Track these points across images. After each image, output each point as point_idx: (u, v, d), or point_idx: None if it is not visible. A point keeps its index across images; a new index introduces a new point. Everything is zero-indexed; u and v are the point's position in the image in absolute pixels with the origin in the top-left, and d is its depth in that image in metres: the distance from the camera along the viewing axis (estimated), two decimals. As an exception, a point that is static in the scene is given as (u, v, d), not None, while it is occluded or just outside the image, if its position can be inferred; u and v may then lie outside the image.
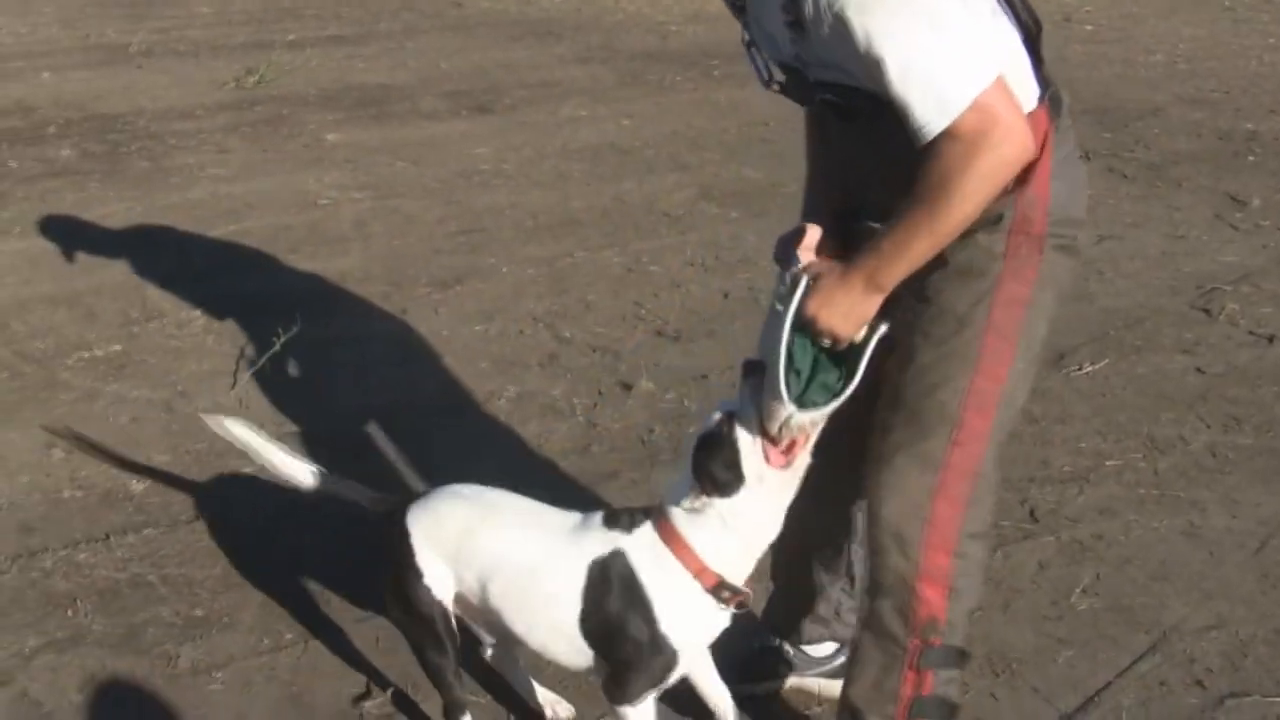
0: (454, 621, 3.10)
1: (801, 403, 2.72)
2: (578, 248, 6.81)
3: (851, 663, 3.04)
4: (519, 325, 5.73)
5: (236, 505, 4.37)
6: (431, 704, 3.38)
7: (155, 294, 6.02)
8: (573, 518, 3.07)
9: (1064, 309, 5.86)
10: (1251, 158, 8.36)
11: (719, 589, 2.89)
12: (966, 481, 2.86)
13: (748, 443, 2.81)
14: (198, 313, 5.79)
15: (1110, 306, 6.20)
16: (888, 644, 2.92)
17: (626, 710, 2.96)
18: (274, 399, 5.09)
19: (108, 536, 4.20)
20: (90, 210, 7.04)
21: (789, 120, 8.92)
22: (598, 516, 3.03)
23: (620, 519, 2.99)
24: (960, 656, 2.97)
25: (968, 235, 2.66)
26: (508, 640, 3.22)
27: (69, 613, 3.83)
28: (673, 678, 2.98)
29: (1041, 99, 2.72)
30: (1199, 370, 5.49)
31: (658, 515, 2.94)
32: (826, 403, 2.73)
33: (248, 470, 4.52)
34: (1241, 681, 3.64)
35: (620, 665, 2.94)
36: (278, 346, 5.39)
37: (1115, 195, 7.82)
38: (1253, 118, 9.12)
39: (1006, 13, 2.68)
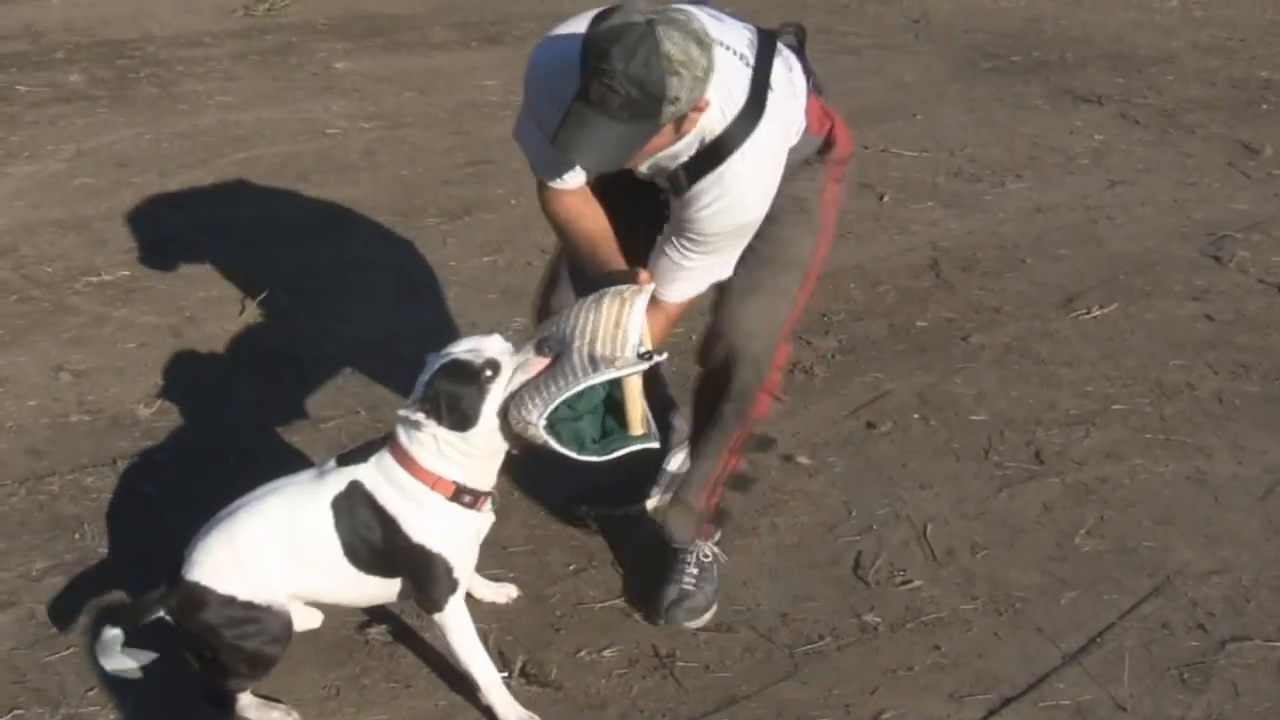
0: (290, 620, 3.15)
1: (552, 426, 2.90)
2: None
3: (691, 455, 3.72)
4: (527, 257, 5.70)
5: (243, 430, 4.37)
6: (436, 630, 3.40)
7: (164, 220, 6.00)
8: (312, 471, 3.20)
9: (1073, 252, 5.95)
10: (1265, 106, 8.28)
11: (459, 494, 3.04)
12: (798, 319, 3.60)
13: (495, 400, 2.95)
14: (206, 239, 5.77)
15: (1120, 251, 6.17)
16: (721, 438, 3.56)
17: (439, 618, 3.14)
18: (281, 325, 5.08)
19: (115, 461, 4.20)
20: (99, 136, 7.00)
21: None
22: (334, 460, 3.18)
23: (355, 455, 3.14)
24: (765, 443, 3.78)
25: (807, 161, 3.39)
26: (341, 603, 3.34)
27: (76, 536, 3.85)
28: (464, 578, 3.15)
29: (809, 87, 3.31)
30: (1208, 317, 5.48)
31: (391, 439, 3.07)
32: (562, 445, 2.93)
33: (253, 397, 4.54)
34: (1243, 626, 3.65)
35: (413, 581, 3.12)
36: (285, 274, 5.38)
37: (1127, 141, 7.77)
38: (1268, 66, 9.03)
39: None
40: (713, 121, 2.98)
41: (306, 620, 3.30)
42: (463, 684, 3.27)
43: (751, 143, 3.02)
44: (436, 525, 3.05)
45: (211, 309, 5.21)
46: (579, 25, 2.92)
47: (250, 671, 3.15)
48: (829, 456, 4.38)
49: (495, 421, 2.96)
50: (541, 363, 2.93)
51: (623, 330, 2.95)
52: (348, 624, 3.44)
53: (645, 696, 3.32)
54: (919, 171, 7.16)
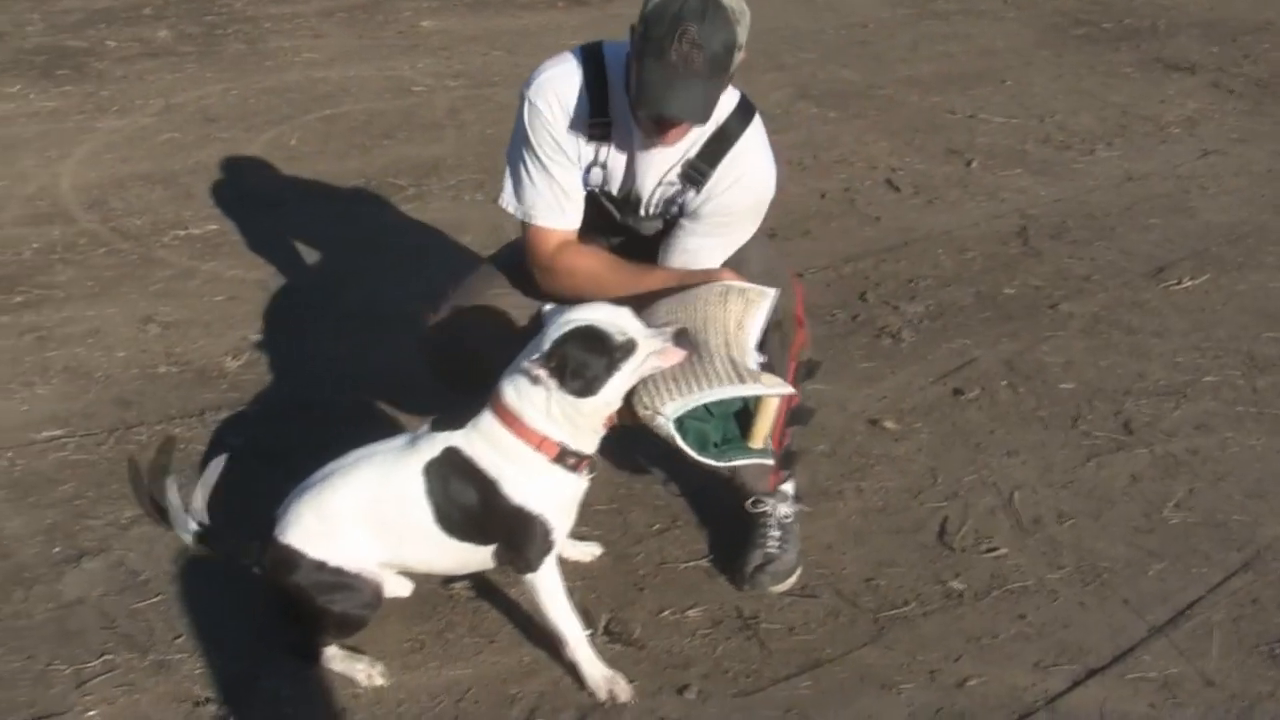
0: (380, 587, 3.17)
1: (680, 422, 2.89)
2: (672, 143, 6.74)
3: None
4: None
5: (327, 386, 4.39)
6: (519, 587, 3.41)
7: (251, 175, 6.04)
8: (403, 437, 3.17)
9: (1164, 221, 5.86)
10: (1364, 74, 8.14)
11: (563, 457, 3.00)
12: None
13: (626, 376, 2.91)
14: (291, 194, 5.81)
15: (1212, 222, 6.08)
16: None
17: (531, 578, 3.11)
18: (367, 279, 5.10)
19: (202, 412, 4.24)
20: (186, 91, 7.06)
21: (887, 23, 8.84)
22: (427, 425, 3.14)
23: (450, 420, 3.09)
24: (812, 368, 3.55)
25: None
26: (431, 572, 3.36)
27: (164, 485, 3.88)
28: (559, 540, 3.12)
29: None
30: (1303, 289, 5.39)
31: (494, 401, 3.02)
32: (685, 442, 2.92)
33: (337, 352, 4.56)
34: (1336, 602, 3.59)
35: (507, 543, 3.09)
36: (370, 230, 5.40)
37: (1220, 110, 7.64)
38: (1367, 33, 8.86)
39: None
40: (720, 110, 3.16)
41: (397, 588, 3.30)
42: (546, 640, 3.27)
43: (752, 127, 3.30)
44: (538, 487, 3.03)
45: (297, 264, 5.24)
46: (566, 69, 3.24)
47: (338, 632, 3.17)
48: (915, 422, 4.35)
49: (615, 398, 2.94)
50: (679, 354, 2.90)
51: (745, 332, 3.00)
52: (433, 578, 3.44)
53: (729, 657, 3.31)
54: (1007, 138, 7.08)
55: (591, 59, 3.24)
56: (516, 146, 3.32)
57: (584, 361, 2.87)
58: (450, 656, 3.29)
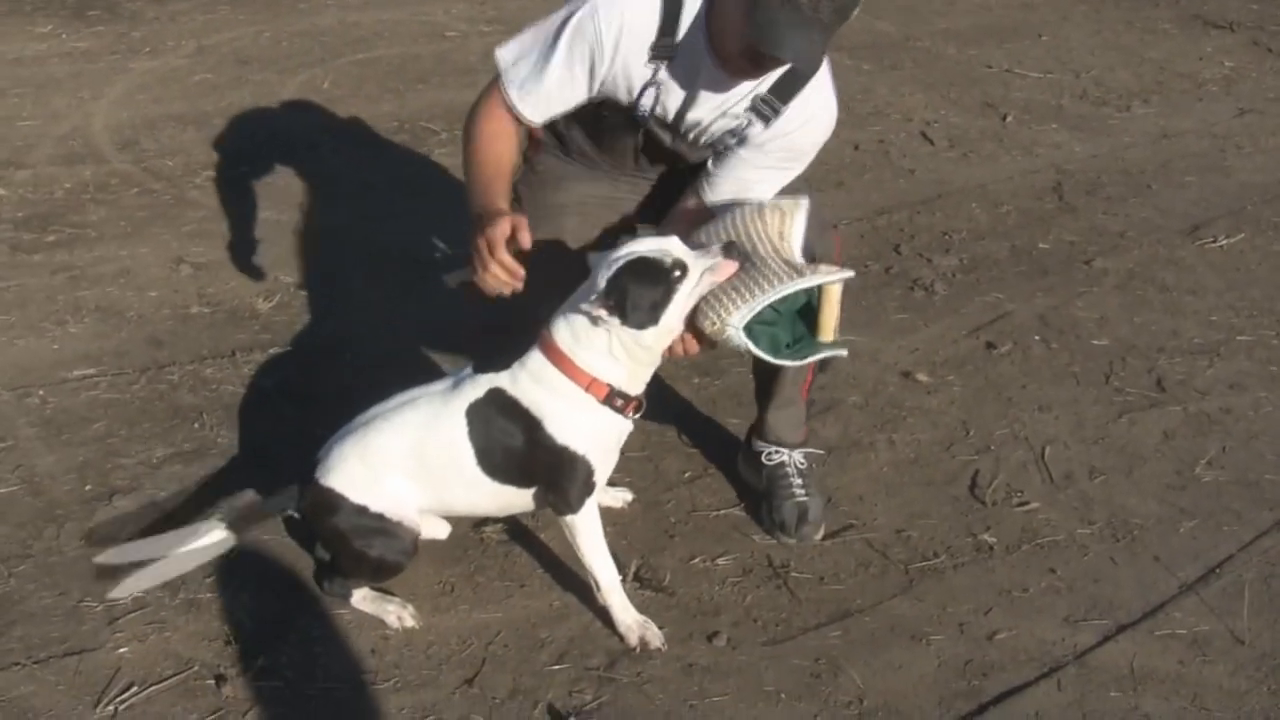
0: (418, 534, 3.16)
1: (749, 329, 2.89)
2: (705, 93, 6.71)
3: None
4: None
5: (360, 327, 4.39)
6: (550, 532, 3.42)
7: (284, 117, 6.02)
8: (445, 380, 3.16)
9: (1200, 179, 5.82)
10: (1407, 33, 8.04)
11: (611, 398, 3.00)
12: None
13: (681, 303, 2.90)
14: (325, 137, 5.79)
15: (1248, 181, 6.04)
16: None
17: (571, 519, 3.10)
18: (402, 223, 5.09)
19: (234, 353, 4.24)
20: (219, 33, 7.03)
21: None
22: (469, 368, 3.13)
23: (492, 362, 3.08)
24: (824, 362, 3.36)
25: None
26: (471, 514, 3.37)
27: (195, 425, 3.89)
28: (601, 481, 3.13)
29: None
30: (1340, 249, 5.35)
31: (544, 341, 3.01)
32: (759, 348, 2.93)
33: (371, 295, 4.56)
34: (1369, 563, 3.57)
35: (550, 484, 3.08)
36: (404, 174, 5.39)
37: (1259, 69, 7.59)
38: None
39: None
40: None
41: (434, 530, 3.30)
42: (576, 585, 3.29)
43: (824, 65, 3.15)
44: (585, 426, 3.02)
45: (329, 206, 5.23)
46: None
47: (373, 577, 3.18)
48: (948, 375, 4.33)
49: (676, 323, 2.93)
50: (731, 266, 2.89)
51: (787, 241, 2.98)
52: (464, 522, 3.44)
53: (759, 606, 3.31)
54: (1043, 93, 7.03)
55: None
56: (552, 27, 3.16)
57: (642, 292, 2.85)
58: (480, 600, 3.29)
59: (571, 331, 2.96)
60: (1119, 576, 3.47)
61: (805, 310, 3.03)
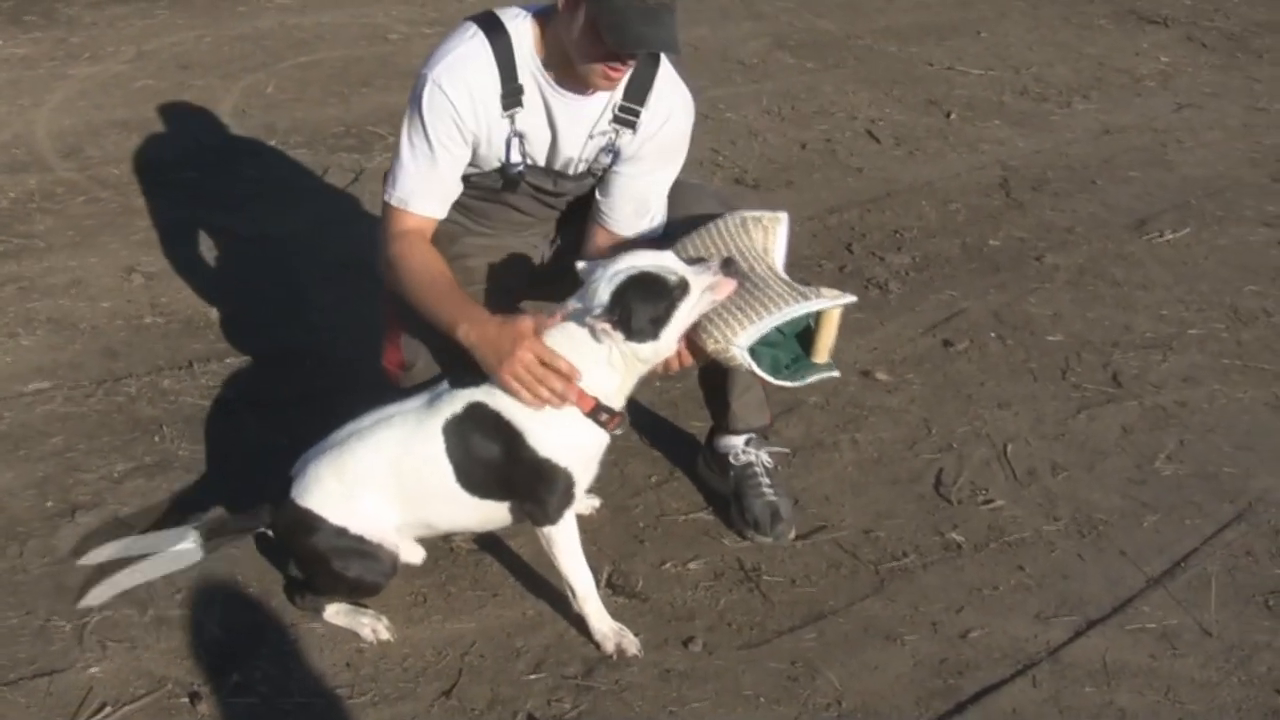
0: (398, 555, 3.14)
1: (753, 351, 2.92)
2: (649, 93, 6.70)
3: None
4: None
5: (319, 334, 4.35)
6: (520, 540, 3.41)
7: (227, 122, 5.96)
8: (421, 397, 3.13)
9: (1143, 174, 5.88)
10: (1337, 27, 8.17)
11: (596, 411, 3.00)
12: None
13: (683, 316, 2.90)
14: (271, 143, 5.73)
15: (1190, 175, 6.12)
16: None
17: (549, 529, 3.08)
18: (351, 227, 5.03)
19: (191, 364, 4.19)
20: (159, 38, 6.95)
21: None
22: (444, 383, 3.12)
23: (468, 376, 3.05)
24: None
25: None
26: (451, 531, 3.34)
27: (155, 438, 3.84)
28: (580, 493, 3.12)
29: None
30: (1282, 243, 5.43)
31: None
32: (760, 368, 2.96)
33: (326, 300, 4.52)
34: (1329, 553, 3.63)
35: (530, 496, 3.05)
36: (353, 177, 5.36)
37: (1194, 64, 7.68)
38: (1338, -14, 8.88)
39: None
40: None
41: (409, 555, 3.27)
42: (549, 593, 3.28)
43: (662, 61, 3.26)
44: (567, 439, 3.01)
45: (280, 212, 5.18)
46: (472, 46, 3.12)
47: (349, 596, 3.16)
48: (907, 373, 4.35)
49: (676, 339, 2.93)
50: (731, 285, 2.90)
51: (772, 257, 3.03)
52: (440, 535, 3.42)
53: (732, 609, 3.31)
54: (985, 90, 7.08)
55: (493, 26, 3.15)
56: (411, 131, 3.20)
57: (646, 308, 2.86)
58: (453, 610, 3.27)
59: (571, 343, 2.94)
60: (1087, 572, 3.50)
61: (802, 331, 3.05)
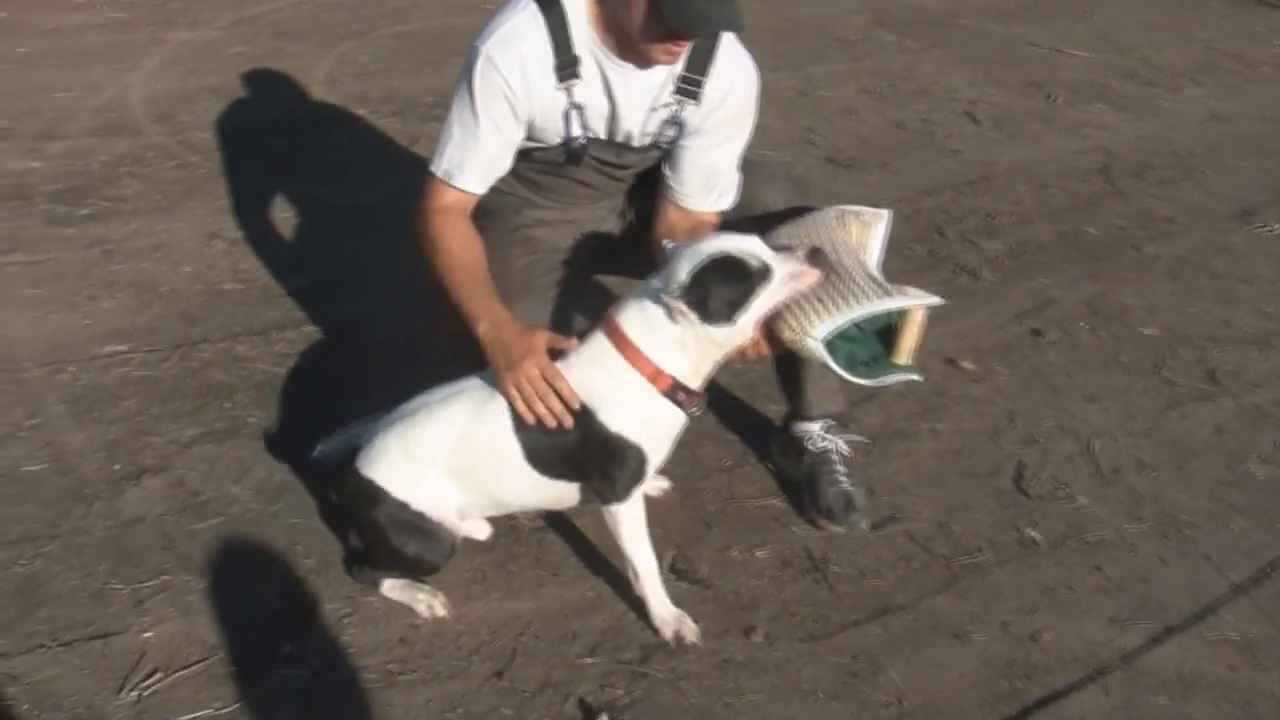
0: (458, 536, 3.10)
1: (830, 344, 2.81)
2: (747, 68, 6.62)
3: None
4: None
5: (396, 306, 4.33)
6: (585, 520, 3.35)
7: (319, 90, 5.97)
8: (490, 372, 3.05)
9: (1251, 164, 5.69)
10: None
11: (675, 390, 2.92)
12: None
13: (762, 303, 2.81)
14: (362, 112, 5.72)
15: (1302, 165, 5.91)
16: None
17: (617, 508, 3.01)
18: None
19: (266, 331, 4.18)
20: (256, 4, 7.00)
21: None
22: None
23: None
24: None
25: None
26: (518, 509, 3.28)
27: (227, 404, 3.83)
28: (651, 472, 3.04)
29: None
30: (1397, 237, 5.22)
31: (610, 328, 2.93)
32: (835, 363, 2.84)
33: (407, 273, 4.49)
34: None
35: (600, 472, 2.98)
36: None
37: (1313, 49, 7.45)
38: None
39: None
40: None
41: (474, 530, 3.24)
42: (611, 575, 3.21)
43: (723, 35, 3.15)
44: (642, 416, 2.94)
45: (368, 182, 5.16)
46: (525, 16, 3.04)
47: (406, 573, 3.13)
48: (993, 363, 4.24)
49: (752, 325, 2.85)
50: (815, 275, 2.81)
51: (868, 254, 2.93)
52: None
53: (797, 600, 3.23)
54: (1090, 73, 6.91)
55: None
56: (460, 103, 3.14)
57: (724, 291, 2.78)
58: (512, 589, 3.23)
59: (645, 320, 2.88)
60: (1168, 576, 3.37)
61: (884, 329, 2.94)
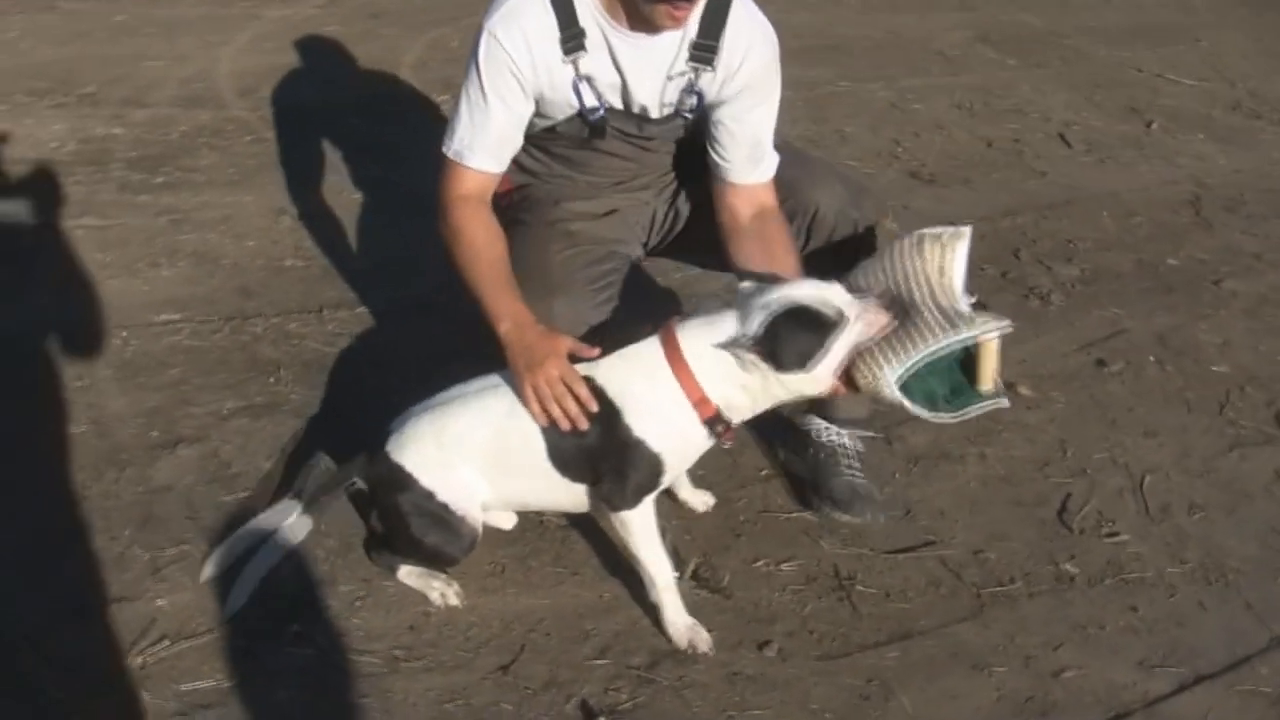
0: (479, 531, 3.07)
1: (905, 385, 2.74)
2: (841, 77, 6.55)
3: None
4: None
5: (454, 293, 4.30)
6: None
7: (406, 73, 6.00)
8: None
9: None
10: None
11: (714, 421, 2.89)
12: None
13: (837, 355, 2.76)
14: (445, 98, 5.72)
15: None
16: None
17: (625, 514, 2.96)
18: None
19: (321, 309, 4.19)
20: (357, -15, 7.01)
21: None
22: None
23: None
24: None
25: None
26: (539, 509, 3.26)
27: (271, 380, 3.84)
28: (665, 482, 3.00)
29: None
30: None
31: (669, 340, 2.88)
32: (914, 404, 2.77)
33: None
34: None
35: (612, 474, 2.92)
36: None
37: None
38: None
39: None
40: None
41: (499, 520, 3.22)
42: (631, 578, 3.16)
43: None
44: (673, 432, 2.90)
45: (439, 167, 5.13)
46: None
47: (423, 562, 3.11)
48: (1052, 390, 4.13)
49: (829, 374, 2.79)
50: (883, 319, 2.75)
51: (948, 278, 2.84)
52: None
53: (817, 617, 3.16)
54: (1193, 101, 6.75)
55: None
56: (469, 84, 3.08)
57: (798, 342, 2.74)
58: (530, 584, 3.19)
59: (708, 348, 2.82)
60: (1205, 622, 3.26)
61: (965, 358, 2.86)
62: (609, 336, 3.03)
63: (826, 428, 3.52)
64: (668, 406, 2.87)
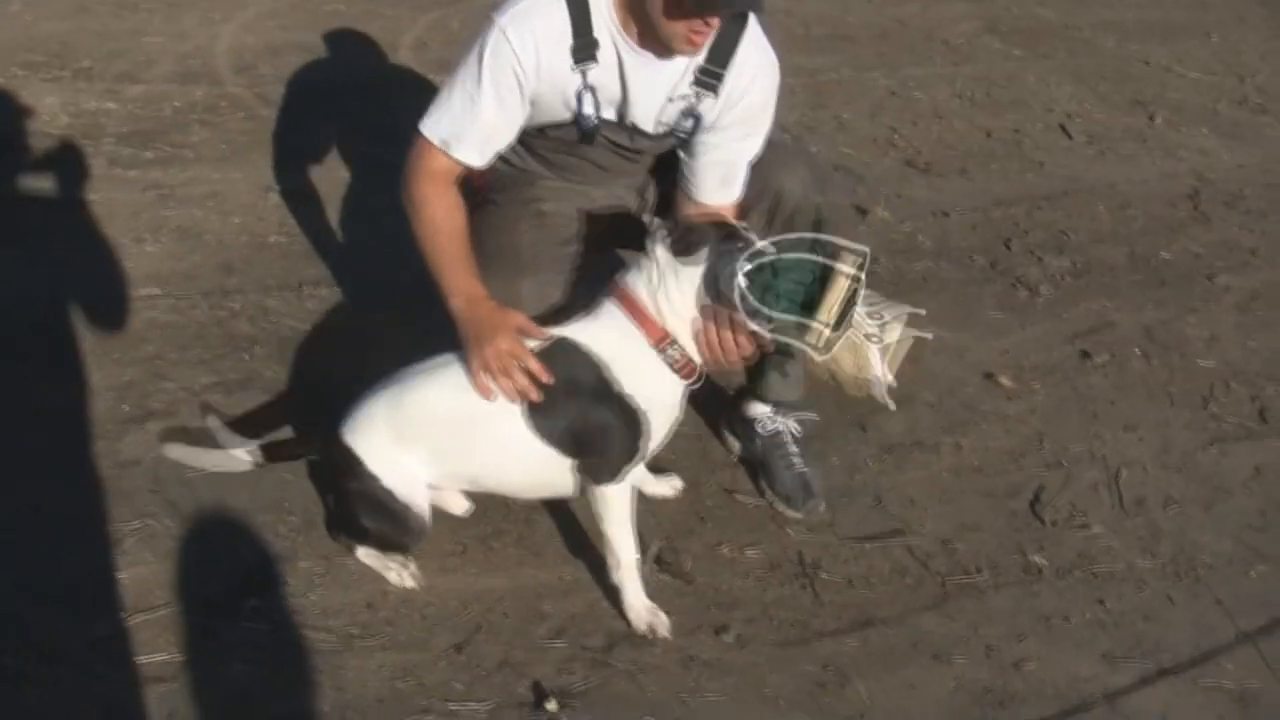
0: (427, 521, 3.03)
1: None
2: (845, 65, 6.50)
3: None
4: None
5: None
6: (578, 502, 3.29)
7: (405, 54, 5.97)
8: None
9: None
10: None
11: (662, 343, 2.86)
12: None
13: (724, 270, 2.72)
14: (442, 79, 5.68)
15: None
16: None
17: (605, 489, 2.94)
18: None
19: (300, 286, 4.18)
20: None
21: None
22: None
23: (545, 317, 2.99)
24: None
25: None
26: (495, 491, 3.17)
27: (245, 356, 3.83)
28: (648, 450, 2.97)
29: None
30: None
31: (616, 291, 2.90)
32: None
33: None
34: None
35: (596, 444, 2.90)
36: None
37: None
38: None
39: None
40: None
41: (452, 505, 3.18)
42: (592, 560, 3.15)
43: (750, 18, 3.06)
44: (646, 380, 2.87)
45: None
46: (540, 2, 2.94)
47: (374, 545, 3.09)
48: (1033, 381, 4.10)
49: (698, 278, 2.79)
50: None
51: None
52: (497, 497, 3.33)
53: (778, 604, 3.14)
54: (1200, 95, 6.69)
55: None
56: (468, 68, 3.03)
57: (696, 233, 2.79)
58: (490, 565, 3.18)
59: (648, 283, 2.85)
60: (1172, 616, 3.23)
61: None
62: (562, 314, 3.03)
63: (770, 416, 3.51)
64: (641, 358, 2.86)
